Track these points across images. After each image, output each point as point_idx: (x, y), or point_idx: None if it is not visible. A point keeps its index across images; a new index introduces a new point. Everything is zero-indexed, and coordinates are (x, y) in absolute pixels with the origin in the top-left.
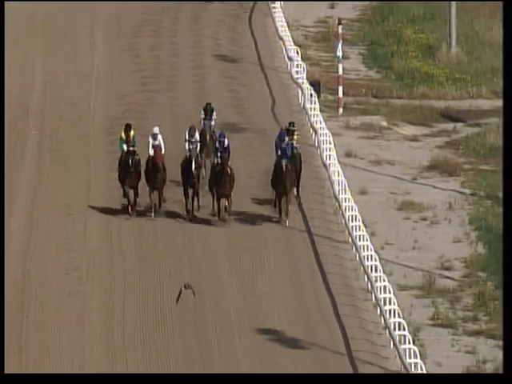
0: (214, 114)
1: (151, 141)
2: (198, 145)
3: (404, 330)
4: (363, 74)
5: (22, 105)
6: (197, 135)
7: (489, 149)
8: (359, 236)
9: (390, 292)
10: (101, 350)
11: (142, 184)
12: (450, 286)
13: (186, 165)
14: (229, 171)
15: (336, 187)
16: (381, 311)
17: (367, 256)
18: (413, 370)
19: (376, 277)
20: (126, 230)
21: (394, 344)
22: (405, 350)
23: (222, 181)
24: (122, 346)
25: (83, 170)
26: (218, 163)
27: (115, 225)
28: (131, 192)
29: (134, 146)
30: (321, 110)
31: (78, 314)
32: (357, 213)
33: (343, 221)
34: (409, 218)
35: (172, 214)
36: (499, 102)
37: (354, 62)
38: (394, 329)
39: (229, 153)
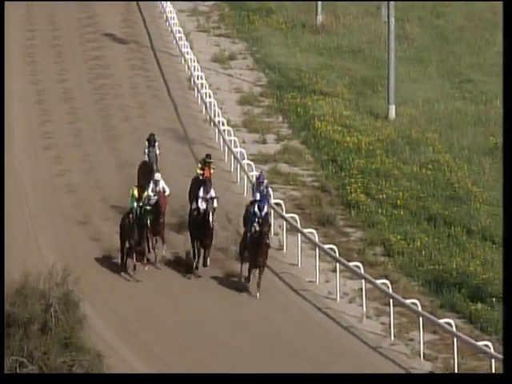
0: (157, 143)
1: (152, 186)
2: (215, 201)
3: (181, 33)
4: None
5: None
6: (212, 192)
7: None
8: None
9: (174, 14)
10: None
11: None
12: (205, 10)
13: (199, 222)
14: (266, 243)
15: None
16: (169, 25)
17: None
18: (192, 78)
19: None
20: None
21: (177, 43)
22: (181, 44)
23: (258, 251)
24: None
25: None
26: (256, 231)
27: None
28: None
29: (149, 205)
30: None
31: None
32: None
33: None
34: None
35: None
36: None
37: None
38: (176, 33)
39: (269, 224)
